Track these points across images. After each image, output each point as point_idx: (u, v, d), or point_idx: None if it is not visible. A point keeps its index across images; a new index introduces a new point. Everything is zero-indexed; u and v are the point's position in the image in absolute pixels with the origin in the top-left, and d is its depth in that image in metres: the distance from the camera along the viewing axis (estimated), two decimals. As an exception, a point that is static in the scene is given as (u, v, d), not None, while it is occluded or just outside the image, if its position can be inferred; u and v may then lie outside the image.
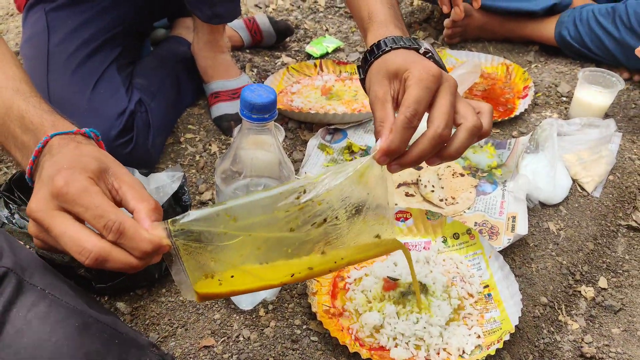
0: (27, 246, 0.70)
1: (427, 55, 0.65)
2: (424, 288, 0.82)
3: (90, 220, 0.45)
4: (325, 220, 0.56)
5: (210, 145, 1.16)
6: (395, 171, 0.58)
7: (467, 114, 0.58)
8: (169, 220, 0.48)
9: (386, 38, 0.65)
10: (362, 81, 0.68)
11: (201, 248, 0.50)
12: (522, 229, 0.95)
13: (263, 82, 1.33)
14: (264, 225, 0.54)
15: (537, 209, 1.05)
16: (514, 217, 0.99)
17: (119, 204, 0.49)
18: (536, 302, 0.88)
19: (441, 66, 0.64)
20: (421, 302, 0.79)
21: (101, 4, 1.11)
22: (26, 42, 1.08)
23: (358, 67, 0.69)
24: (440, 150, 0.57)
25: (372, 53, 0.65)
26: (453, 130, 0.59)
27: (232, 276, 0.54)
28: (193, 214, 0.49)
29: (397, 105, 0.60)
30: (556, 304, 0.89)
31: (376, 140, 0.58)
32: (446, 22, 1.55)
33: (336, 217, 0.57)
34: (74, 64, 1.02)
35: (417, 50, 0.64)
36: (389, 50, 0.63)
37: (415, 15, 1.75)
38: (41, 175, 0.47)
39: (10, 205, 0.73)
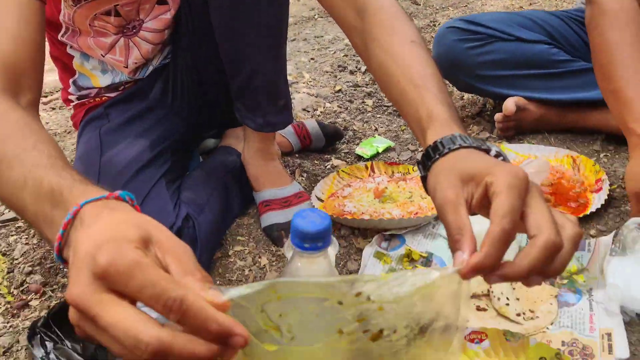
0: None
1: (498, 159, 0.59)
2: None
3: (146, 301, 0.38)
4: (381, 332, 0.47)
5: (259, 257, 1.10)
6: (494, 283, 0.51)
7: (565, 221, 0.52)
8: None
9: (452, 135, 0.60)
10: (424, 179, 0.62)
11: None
12: (623, 350, 0.81)
13: (313, 187, 1.28)
14: (310, 315, 0.46)
15: (635, 323, 0.90)
16: (609, 335, 0.85)
17: None
18: None
19: None
20: None
21: (151, 119, 1.13)
22: (79, 159, 1.09)
23: (418, 163, 0.64)
24: None
25: (437, 150, 0.59)
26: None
27: None
28: (238, 289, 0.42)
29: (469, 209, 0.54)
30: None
31: (452, 251, 0.51)
32: (497, 116, 1.48)
33: (394, 332, 0.48)
34: (123, 181, 1.01)
35: (487, 152, 0.58)
36: (457, 149, 0.58)
37: (467, 109, 1.70)
38: (77, 253, 0.41)
39: (46, 343, 0.67)
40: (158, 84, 1.18)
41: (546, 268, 0.50)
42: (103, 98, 1.18)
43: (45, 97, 1.85)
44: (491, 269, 0.49)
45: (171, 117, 1.18)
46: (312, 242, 0.52)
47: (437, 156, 0.59)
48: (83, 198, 0.46)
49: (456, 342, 0.52)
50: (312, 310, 0.46)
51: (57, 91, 1.82)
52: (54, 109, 1.80)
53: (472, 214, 0.56)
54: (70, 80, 1.18)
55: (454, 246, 0.51)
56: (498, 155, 0.60)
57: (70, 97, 1.20)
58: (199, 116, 1.25)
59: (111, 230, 0.41)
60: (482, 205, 0.54)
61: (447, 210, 0.53)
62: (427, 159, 0.61)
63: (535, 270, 0.49)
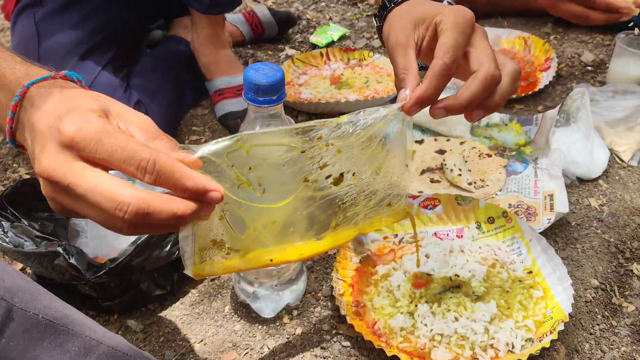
0: (21, 268, 0.63)
1: None
2: (462, 284, 0.75)
3: (118, 165, 0.37)
4: (342, 175, 0.51)
5: (217, 145, 1.10)
6: (439, 116, 0.53)
7: (506, 60, 0.54)
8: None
9: None
10: (379, 29, 0.63)
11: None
12: (563, 206, 0.87)
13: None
14: (277, 167, 0.48)
15: (575, 185, 0.96)
16: (551, 196, 0.91)
17: None
18: (586, 285, 0.80)
19: None
20: (419, 261, 0.72)
21: (90, 5, 1.06)
22: (15, 48, 1.03)
23: (374, 15, 0.64)
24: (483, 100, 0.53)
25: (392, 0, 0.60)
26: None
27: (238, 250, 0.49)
28: (207, 146, 0.42)
29: (419, 52, 0.56)
30: (608, 285, 0.81)
31: (397, 90, 0.53)
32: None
33: (353, 174, 0.52)
34: (66, 68, 0.96)
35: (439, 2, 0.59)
36: None
37: (421, -4, 1.67)
38: (37, 129, 0.39)
39: (2, 222, 0.66)
40: (94, -34, 1.10)
41: (487, 101, 0.52)
42: (34, -17, 1.09)
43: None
44: (432, 100, 0.51)
45: (112, 5, 1.11)
46: (266, 94, 0.52)
47: (393, 5, 0.60)
48: (28, 79, 0.44)
49: (404, 183, 0.57)
50: (279, 161, 0.47)
51: (-18, -13, 1.67)
52: (-19, 6, 1.65)
53: (422, 67, 0.57)
54: (-4, -35, 1.08)
55: (398, 85, 0.53)
56: (450, 4, 0.61)
57: (-3, -16, 1.11)
58: (143, 4, 1.18)
59: (69, 103, 0.39)
60: (432, 48, 0.55)
61: (397, 52, 0.54)
62: (383, 10, 0.61)
63: (476, 101, 0.51)
